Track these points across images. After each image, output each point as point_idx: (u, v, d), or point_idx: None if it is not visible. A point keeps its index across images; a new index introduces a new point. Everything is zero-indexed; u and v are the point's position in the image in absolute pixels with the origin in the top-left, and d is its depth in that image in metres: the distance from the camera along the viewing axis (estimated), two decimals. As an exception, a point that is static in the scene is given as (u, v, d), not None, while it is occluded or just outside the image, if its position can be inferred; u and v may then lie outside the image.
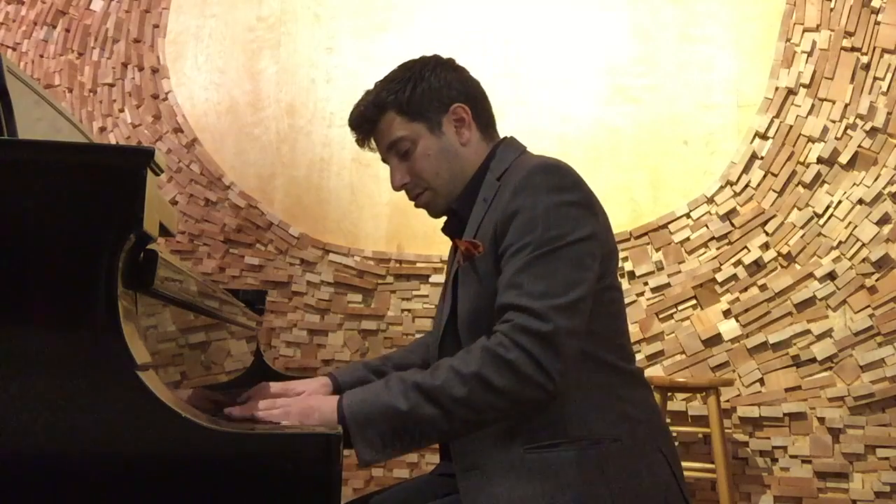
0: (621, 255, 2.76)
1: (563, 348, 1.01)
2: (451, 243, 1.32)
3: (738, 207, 2.82)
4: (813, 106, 2.79)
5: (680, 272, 2.85)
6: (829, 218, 2.72)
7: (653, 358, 2.82)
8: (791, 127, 2.80)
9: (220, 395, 1.30)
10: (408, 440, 0.99)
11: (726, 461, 2.45)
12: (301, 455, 0.82)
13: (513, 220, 1.09)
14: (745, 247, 2.79)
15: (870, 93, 2.73)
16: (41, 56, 3.56)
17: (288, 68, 3.29)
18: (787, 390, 2.68)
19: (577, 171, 1.15)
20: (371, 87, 1.28)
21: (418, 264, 3.06)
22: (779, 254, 2.76)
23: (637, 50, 3.00)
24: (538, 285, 1.03)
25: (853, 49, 2.77)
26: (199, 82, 3.36)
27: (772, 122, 2.82)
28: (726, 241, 2.82)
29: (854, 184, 2.71)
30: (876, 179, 2.68)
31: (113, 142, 3.36)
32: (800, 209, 2.76)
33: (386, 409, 0.99)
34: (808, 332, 2.69)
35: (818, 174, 2.75)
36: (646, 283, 2.88)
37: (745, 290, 2.78)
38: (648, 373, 2.73)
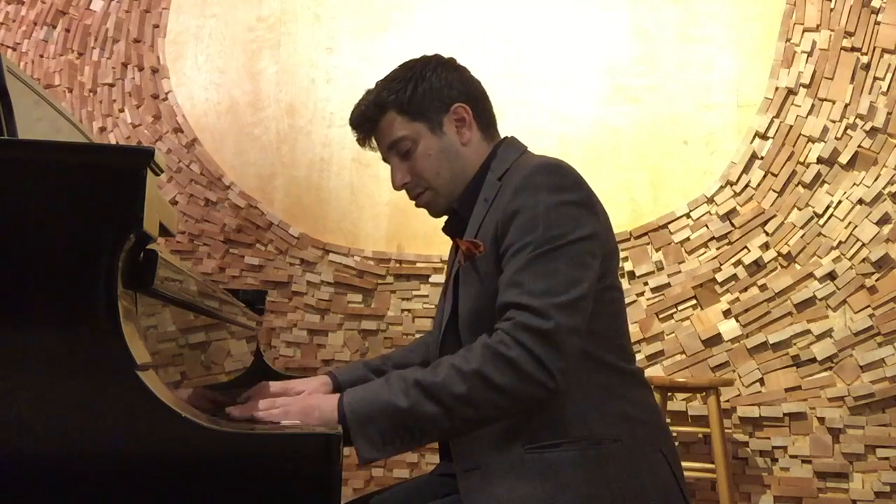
0: (621, 255, 2.76)
1: (564, 346, 1.01)
2: (451, 243, 1.32)
3: (738, 207, 2.82)
4: (813, 106, 2.79)
5: (680, 272, 2.85)
6: (829, 218, 2.72)
7: (653, 358, 2.82)
8: (791, 127, 2.81)
9: (220, 395, 1.30)
10: (408, 438, 0.99)
11: (726, 461, 2.45)
12: (301, 455, 0.82)
13: (514, 220, 1.09)
14: (745, 247, 2.79)
15: (870, 93, 2.73)
16: (41, 56, 3.56)
17: (288, 68, 3.29)
18: (787, 390, 2.68)
19: (578, 171, 1.15)
20: (371, 86, 1.28)
21: (418, 264, 3.06)
22: (779, 254, 2.76)
23: (637, 50, 3.00)
24: (539, 284, 1.03)
25: (853, 49, 2.77)
26: (199, 82, 3.36)
27: (772, 122, 2.82)
28: (726, 241, 2.82)
29: (854, 184, 2.71)
30: (876, 179, 2.68)
31: (113, 142, 3.36)
32: (800, 209, 2.76)
33: (386, 406, 0.99)
34: (808, 332, 2.69)
35: (818, 174, 2.75)
36: (646, 283, 2.88)
37: (745, 290, 2.78)
38: (648, 373, 2.74)
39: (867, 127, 2.71)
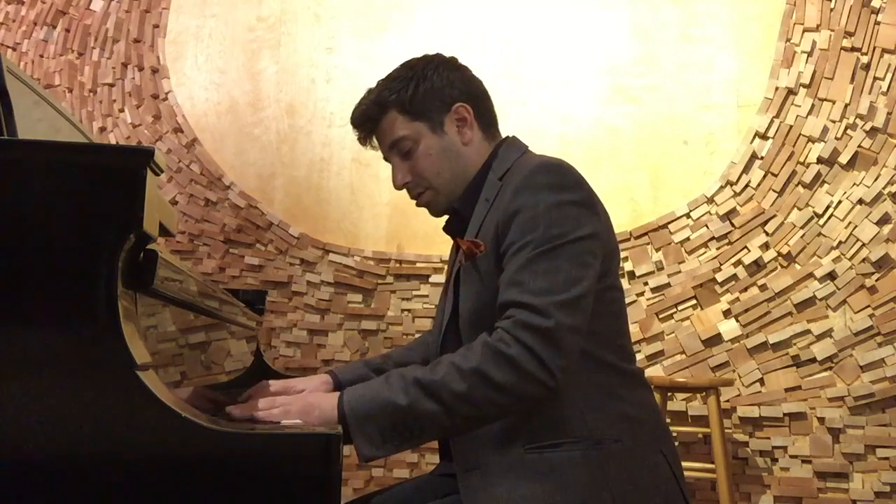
0: (621, 255, 2.76)
1: (564, 344, 1.01)
2: (451, 243, 1.32)
3: (738, 207, 2.82)
4: (813, 106, 2.79)
5: (680, 272, 2.85)
6: (829, 218, 2.72)
7: (653, 358, 2.82)
8: (791, 127, 2.81)
9: (220, 395, 1.30)
10: (407, 435, 0.99)
11: (726, 461, 2.45)
12: (301, 455, 0.82)
13: (514, 219, 1.09)
14: (745, 247, 2.79)
15: (870, 93, 2.73)
16: (41, 56, 3.56)
17: (288, 68, 3.29)
18: (787, 390, 2.68)
19: (579, 171, 1.15)
20: (372, 86, 1.28)
21: (418, 264, 3.06)
22: (779, 254, 2.76)
23: (637, 50, 3.00)
24: (539, 282, 1.03)
25: (853, 49, 2.77)
26: (199, 82, 3.36)
27: (772, 122, 2.82)
28: (726, 241, 2.82)
29: (854, 184, 2.71)
30: (876, 179, 2.68)
31: (113, 142, 3.36)
32: (800, 209, 2.76)
33: (386, 404, 0.99)
34: (808, 332, 2.69)
35: (818, 174, 2.75)
36: (646, 283, 2.88)
37: (745, 290, 2.78)
38: (648, 373, 2.73)
39: (867, 127, 2.71)
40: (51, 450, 0.78)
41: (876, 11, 2.75)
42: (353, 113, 1.28)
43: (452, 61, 1.28)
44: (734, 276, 2.79)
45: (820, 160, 2.75)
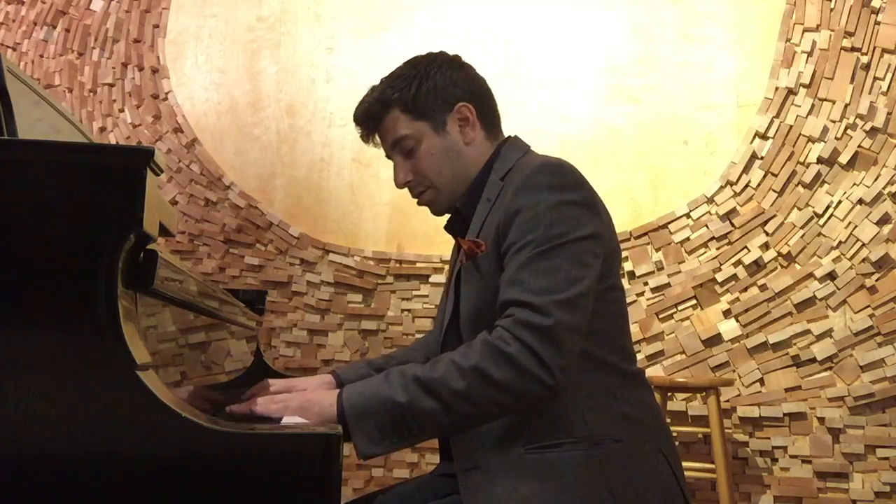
0: (621, 254, 2.76)
1: (564, 343, 1.01)
2: (451, 243, 1.32)
3: (738, 207, 2.82)
4: (813, 106, 2.79)
5: (680, 272, 2.85)
6: (829, 218, 2.72)
7: (653, 358, 2.82)
8: (791, 127, 2.81)
9: (220, 395, 1.30)
10: (406, 433, 0.99)
11: (726, 461, 2.45)
12: (301, 455, 0.82)
13: (515, 219, 1.09)
14: (745, 247, 2.79)
15: (870, 93, 2.73)
16: (41, 56, 3.55)
17: (288, 68, 3.29)
18: (787, 390, 2.68)
19: (580, 171, 1.15)
20: (373, 85, 1.28)
21: (418, 264, 3.06)
22: (779, 254, 2.76)
23: (637, 50, 3.00)
24: (540, 281, 1.03)
25: (853, 49, 2.77)
26: (199, 82, 3.36)
27: (772, 122, 2.82)
28: (726, 241, 2.82)
29: (854, 184, 2.71)
30: (876, 179, 2.68)
31: (113, 142, 3.36)
32: (800, 209, 2.76)
33: (385, 401, 0.99)
34: (808, 332, 2.69)
35: (818, 174, 2.75)
36: (646, 283, 2.88)
37: (745, 290, 2.78)
38: (648, 373, 2.73)
39: (867, 127, 2.71)
40: (51, 449, 0.78)
41: (876, 11, 2.75)
42: (356, 110, 1.28)
43: (456, 60, 1.28)
44: (734, 276, 2.79)
45: (820, 160, 2.75)
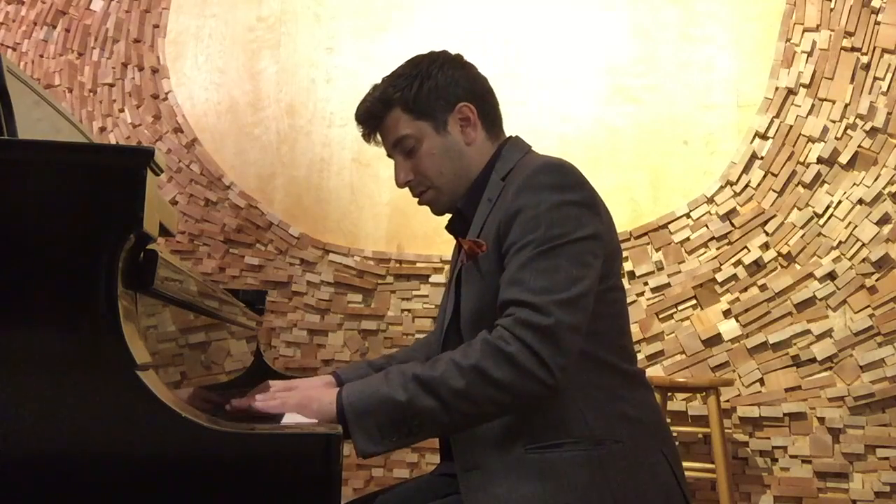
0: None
1: (564, 343, 1.01)
2: (452, 243, 1.32)
3: (738, 207, 2.82)
4: (813, 106, 2.79)
5: (680, 272, 2.85)
6: (829, 218, 2.72)
7: (653, 358, 2.82)
8: (791, 127, 2.80)
9: (220, 395, 1.30)
10: (405, 431, 0.99)
11: (726, 461, 2.45)
12: (301, 455, 0.82)
13: (516, 219, 1.09)
14: (745, 247, 2.79)
15: (870, 93, 2.73)
16: (41, 56, 3.55)
17: (288, 68, 3.29)
18: (787, 390, 2.68)
19: (581, 171, 1.15)
20: (373, 85, 1.28)
21: (418, 264, 3.06)
22: (779, 254, 2.76)
23: (637, 50, 3.00)
24: (540, 281, 1.03)
25: (853, 49, 2.77)
26: (199, 82, 3.36)
27: (772, 122, 2.82)
28: (726, 241, 2.82)
29: (854, 184, 2.71)
30: (876, 179, 2.68)
31: (113, 142, 3.36)
32: (800, 209, 2.76)
33: (384, 399, 0.99)
34: (808, 332, 2.69)
35: (818, 174, 2.75)
36: (646, 283, 2.88)
37: (745, 290, 2.78)
38: (648, 373, 2.73)
39: (867, 127, 2.71)
40: (51, 449, 0.78)
41: (876, 11, 2.75)
42: (358, 109, 1.27)
43: (458, 59, 1.28)
44: (734, 276, 2.79)
45: (820, 160, 2.75)
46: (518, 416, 1.08)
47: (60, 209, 0.82)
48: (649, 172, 2.93)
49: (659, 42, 2.99)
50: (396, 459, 2.94)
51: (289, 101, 3.27)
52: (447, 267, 2.94)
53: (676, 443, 2.42)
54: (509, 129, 1.32)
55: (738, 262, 2.79)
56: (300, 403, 1.01)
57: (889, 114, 2.69)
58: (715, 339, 2.78)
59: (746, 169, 2.83)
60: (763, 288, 2.75)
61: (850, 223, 2.69)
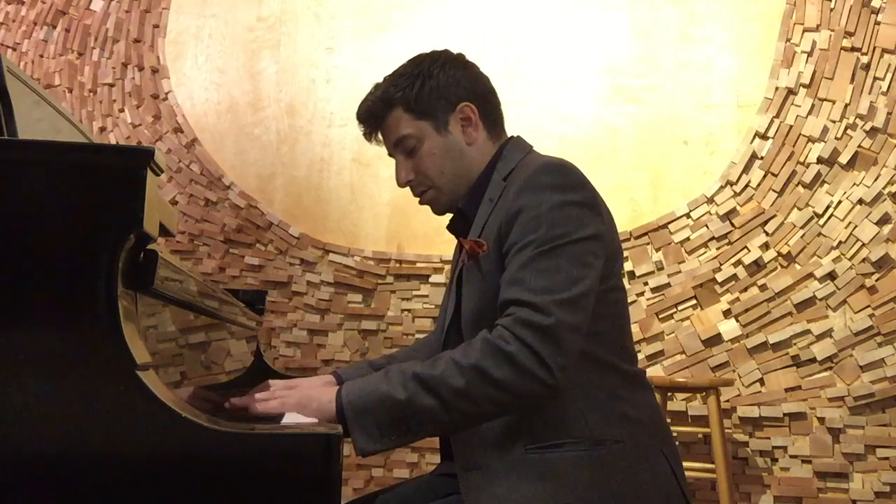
0: (621, 255, 2.75)
1: (564, 343, 1.01)
2: (453, 243, 1.32)
3: (738, 207, 2.82)
4: (813, 106, 2.79)
5: (680, 272, 2.85)
6: (829, 218, 2.72)
7: (653, 358, 2.82)
8: (791, 127, 2.80)
9: (220, 395, 1.30)
10: (405, 430, 0.99)
11: (726, 461, 2.45)
12: (301, 455, 0.82)
13: (517, 219, 1.09)
14: (745, 247, 2.79)
15: (870, 93, 2.73)
16: (41, 56, 3.55)
17: (288, 68, 3.29)
18: (787, 390, 2.68)
19: (582, 172, 1.15)
20: (373, 85, 1.28)
21: (418, 264, 3.06)
22: (779, 254, 2.76)
23: (637, 50, 3.00)
24: (540, 281, 1.03)
25: (853, 49, 2.77)
26: (199, 82, 3.36)
27: (772, 122, 2.82)
28: (726, 241, 2.82)
29: (854, 184, 2.71)
30: (876, 179, 2.68)
31: (113, 142, 3.36)
32: (800, 209, 2.76)
33: (384, 398, 0.99)
34: (808, 332, 2.69)
35: (818, 174, 2.75)
36: (646, 283, 2.88)
37: (745, 290, 2.78)
38: (648, 373, 2.73)
39: (867, 127, 2.71)
40: (51, 449, 0.78)
41: (876, 11, 2.75)
42: (359, 108, 1.27)
43: (460, 59, 1.28)
44: (734, 276, 2.79)
45: (820, 160, 2.75)
46: (518, 416, 1.08)
47: (60, 209, 0.82)
48: (649, 172, 2.93)
49: (659, 42, 2.98)
50: (396, 459, 2.94)
51: (289, 101, 3.27)
52: (447, 267, 2.94)
53: (676, 443, 2.42)
54: (509, 129, 1.32)
55: (738, 262, 2.79)
56: (300, 403, 1.01)
57: (889, 114, 2.69)
58: (715, 339, 2.78)
59: (746, 169, 2.83)
60: (763, 288, 2.75)
61: (850, 223, 2.69)
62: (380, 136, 1.28)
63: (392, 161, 1.28)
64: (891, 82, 2.71)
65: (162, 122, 3.36)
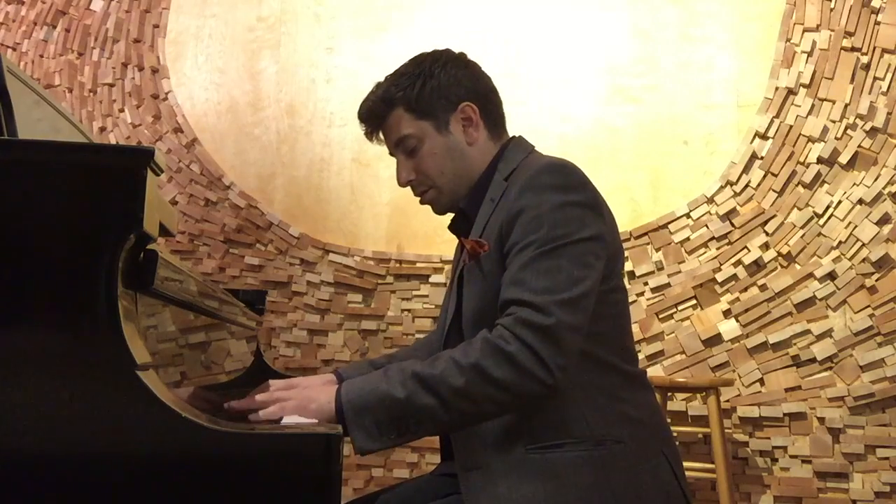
0: (621, 255, 2.75)
1: (564, 343, 1.01)
2: (453, 242, 1.32)
3: (738, 207, 2.82)
4: (813, 106, 2.79)
5: (680, 272, 2.85)
6: (829, 218, 2.72)
7: (653, 358, 2.82)
8: (791, 127, 2.80)
9: (220, 395, 1.30)
10: (404, 429, 0.99)
11: (726, 461, 2.45)
12: (301, 455, 0.82)
13: (518, 219, 1.09)
14: (745, 247, 2.79)
15: (870, 93, 2.73)
16: (41, 56, 3.55)
17: (288, 68, 3.29)
18: (787, 390, 2.68)
19: (584, 172, 1.15)
20: (378, 82, 1.28)
21: (418, 264, 3.06)
22: (779, 254, 2.76)
23: (637, 50, 3.00)
24: (541, 281, 1.03)
25: (853, 49, 2.77)
26: (199, 82, 3.36)
27: (772, 122, 2.82)
28: (726, 241, 2.82)
29: (854, 184, 2.71)
30: (876, 179, 2.68)
31: (113, 142, 3.36)
32: (800, 209, 2.76)
33: (383, 397, 0.98)
34: (808, 332, 2.69)
35: (818, 174, 2.75)
36: (646, 283, 2.88)
37: (745, 290, 2.78)
38: (648, 373, 2.73)
39: (867, 127, 2.71)
40: (51, 449, 0.78)
41: (876, 11, 2.75)
42: (360, 108, 1.27)
43: (461, 58, 1.28)
44: (734, 276, 2.79)
45: (820, 160, 2.75)
46: (519, 416, 1.08)
47: (60, 209, 0.82)
48: (649, 172, 2.93)
49: (659, 42, 2.98)
50: (396, 459, 2.94)
51: (289, 101, 3.27)
52: (447, 267, 2.94)
53: (677, 443, 2.42)
54: (510, 129, 1.32)
55: (738, 262, 2.79)
56: (299, 405, 1.01)
57: (889, 114, 2.69)
58: (715, 339, 2.78)
59: (746, 169, 2.83)
60: (763, 288, 2.75)
61: (850, 223, 2.69)
62: (381, 136, 1.28)
63: (392, 161, 1.28)
64: (891, 82, 2.71)
65: (162, 122, 3.36)
